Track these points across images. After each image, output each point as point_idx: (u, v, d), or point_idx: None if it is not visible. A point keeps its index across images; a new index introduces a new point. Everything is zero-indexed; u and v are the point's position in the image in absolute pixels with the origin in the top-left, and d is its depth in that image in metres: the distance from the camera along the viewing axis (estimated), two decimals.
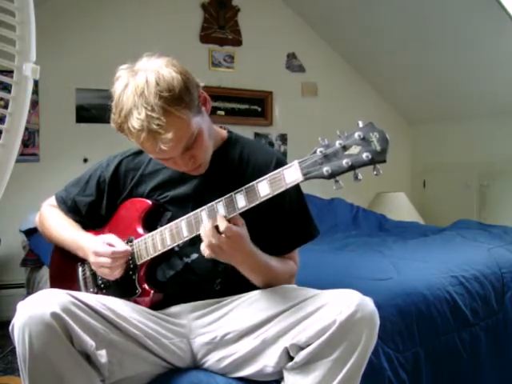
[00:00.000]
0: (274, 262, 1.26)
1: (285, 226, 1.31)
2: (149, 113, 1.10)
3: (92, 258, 1.28)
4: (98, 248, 1.27)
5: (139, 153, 1.41)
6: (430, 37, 3.40)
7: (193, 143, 1.18)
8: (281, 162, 1.32)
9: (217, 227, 1.13)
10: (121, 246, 1.28)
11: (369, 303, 1.12)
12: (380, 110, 4.18)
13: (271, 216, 1.28)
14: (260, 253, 1.22)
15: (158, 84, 1.11)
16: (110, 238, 1.30)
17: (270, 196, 1.10)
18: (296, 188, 1.15)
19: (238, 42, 3.79)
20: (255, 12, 3.82)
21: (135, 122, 1.11)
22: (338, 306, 1.09)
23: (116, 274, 1.28)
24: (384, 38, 3.66)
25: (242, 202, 1.13)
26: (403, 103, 4.27)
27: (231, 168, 1.33)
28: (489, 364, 1.83)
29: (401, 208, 3.78)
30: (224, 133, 1.38)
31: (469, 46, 3.27)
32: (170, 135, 1.11)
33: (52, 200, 1.49)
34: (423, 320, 1.66)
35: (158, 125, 1.10)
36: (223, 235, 1.12)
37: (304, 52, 4.02)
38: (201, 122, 1.20)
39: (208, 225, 1.14)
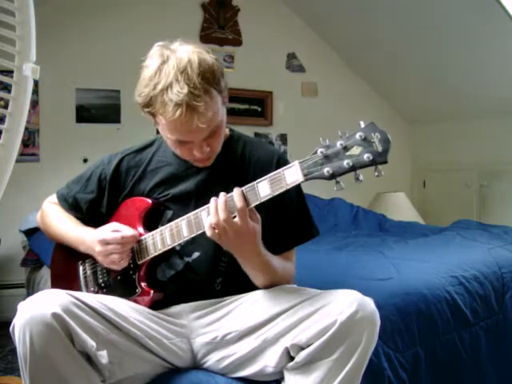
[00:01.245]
0: (276, 261, 1.25)
1: (284, 224, 1.31)
2: (191, 90, 1.11)
3: (99, 248, 1.26)
4: (106, 235, 1.26)
5: (141, 150, 1.42)
6: (430, 37, 3.40)
7: (215, 131, 1.20)
8: (282, 160, 1.32)
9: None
10: (128, 230, 1.27)
11: (369, 303, 1.12)
12: (380, 110, 4.18)
13: (271, 214, 1.27)
14: (266, 252, 1.21)
15: (200, 65, 1.13)
16: (115, 225, 1.30)
17: (271, 196, 1.10)
18: (296, 187, 1.16)
19: (238, 42, 3.79)
20: (255, 12, 3.82)
21: (175, 95, 1.11)
22: (338, 306, 1.09)
23: (124, 262, 1.27)
24: (384, 38, 3.66)
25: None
26: (403, 103, 4.27)
27: (233, 165, 1.33)
28: (489, 364, 1.83)
29: (401, 208, 3.78)
30: (226, 131, 1.38)
31: (469, 45, 3.27)
32: (209, 114, 1.14)
33: (53, 197, 1.49)
34: (423, 320, 1.66)
35: (199, 102, 1.11)
36: (236, 219, 1.09)
37: (304, 52, 4.02)
38: (223, 112, 1.23)
39: (222, 198, 1.11)
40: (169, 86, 1.12)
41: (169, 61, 1.14)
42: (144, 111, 1.21)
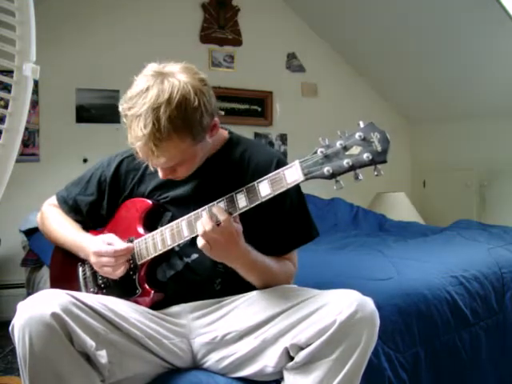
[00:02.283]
0: (270, 261, 1.26)
1: (284, 226, 1.31)
2: (154, 131, 1.09)
3: (93, 259, 1.28)
4: (99, 248, 1.27)
5: None
6: (430, 37, 3.40)
7: (179, 165, 1.20)
8: (282, 163, 1.32)
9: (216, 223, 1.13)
10: (121, 244, 1.28)
11: (369, 303, 1.12)
12: (380, 110, 4.18)
13: (271, 215, 1.28)
14: (255, 252, 1.22)
15: (177, 108, 1.10)
16: (110, 237, 1.30)
17: (271, 196, 1.10)
18: (296, 188, 1.16)
19: (238, 42, 3.79)
20: (255, 12, 3.82)
21: (138, 130, 1.11)
22: (338, 306, 1.09)
23: (118, 272, 1.28)
24: (384, 38, 3.66)
25: (242, 201, 1.13)
26: (403, 103, 4.27)
27: (232, 169, 1.33)
28: (489, 364, 1.83)
29: (401, 208, 3.78)
30: (225, 133, 1.38)
31: (469, 46, 3.27)
32: (162, 159, 1.15)
33: (53, 200, 1.49)
34: (423, 320, 1.66)
35: (155, 145, 1.11)
36: (220, 226, 1.12)
37: (304, 52, 4.01)
38: (198, 149, 1.20)
39: (205, 215, 1.15)
40: (138, 117, 1.11)
41: (151, 89, 1.11)
42: None
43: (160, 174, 1.24)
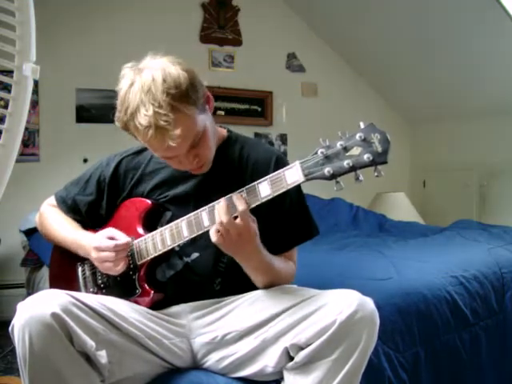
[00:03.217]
0: (276, 261, 1.26)
1: (284, 224, 1.31)
2: (156, 109, 1.10)
3: (94, 254, 1.27)
4: (100, 243, 1.27)
5: (139, 152, 1.42)
6: (430, 37, 3.40)
7: (198, 141, 1.19)
8: (281, 160, 1.32)
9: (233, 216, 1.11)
10: (122, 238, 1.28)
11: (369, 303, 1.12)
12: (380, 110, 4.18)
13: (271, 214, 1.28)
14: (266, 252, 1.21)
15: (164, 81, 1.12)
16: (111, 231, 1.30)
17: (271, 197, 1.10)
18: (296, 187, 1.16)
19: (238, 42, 3.79)
20: (255, 12, 3.82)
21: (142, 118, 1.11)
22: (338, 306, 1.09)
23: (119, 268, 1.27)
24: (384, 38, 3.66)
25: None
26: (403, 103, 4.27)
27: (232, 167, 1.33)
28: (489, 364, 1.83)
29: (401, 208, 3.78)
30: (224, 132, 1.39)
31: (469, 46, 3.27)
32: (178, 131, 1.12)
33: (52, 200, 1.49)
34: (423, 320, 1.66)
35: (165, 121, 1.10)
36: (237, 220, 1.10)
37: (304, 52, 4.02)
38: (206, 120, 1.21)
39: (223, 203, 1.12)
40: (136, 110, 1.12)
41: (134, 83, 1.14)
42: (127, 133, 1.21)
43: (185, 166, 1.23)
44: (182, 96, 1.13)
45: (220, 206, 1.11)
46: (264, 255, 1.20)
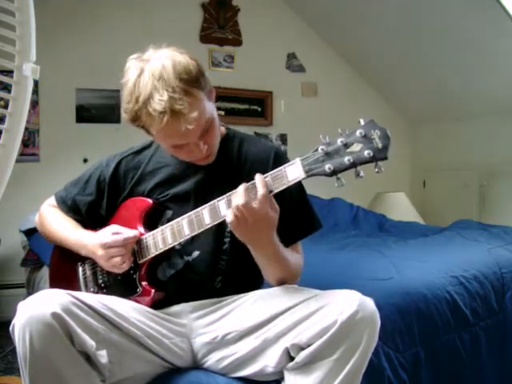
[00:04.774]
0: (288, 253, 1.25)
1: (287, 217, 1.30)
2: (171, 94, 1.11)
3: (101, 252, 1.27)
4: (107, 239, 1.26)
5: (139, 152, 1.42)
6: (430, 37, 3.40)
7: (208, 128, 1.20)
8: (280, 156, 1.32)
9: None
10: (128, 231, 1.28)
11: (370, 303, 1.12)
12: (380, 110, 4.17)
13: None
14: (280, 243, 1.20)
15: (175, 67, 1.13)
16: (115, 228, 1.30)
17: (272, 194, 1.10)
18: (297, 182, 1.15)
19: (238, 42, 3.79)
20: (255, 12, 3.82)
21: (157, 104, 1.11)
22: (339, 306, 1.09)
23: (125, 265, 1.27)
24: (384, 38, 3.66)
25: None
26: (403, 103, 4.27)
27: (231, 163, 1.33)
28: (489, 364, 1.83)
29: (401, 208, 3.78)
30: (222, 129, 1.39)
31: (469, 45, 3.27)
32: (194, 114, 1.13)
33: (52, 200, 1.49)
34: (423, 320, 1.66)
35: (181, 105, 1.11)
36: (255, 204, 1.08)
37: (304, 52, 4.02)
38: (212, 108, 1.23)
39: (242, 187, 1.10)
40: (149, 97, 1.12)
41: (144, 72, 1.15)
42: (134, 125, 1.21)
43: (196, 155, 1.23)
44: (193, 81, 1.15)
45: (239, 188, 1.10)
46: (278, 245, 1.20)
